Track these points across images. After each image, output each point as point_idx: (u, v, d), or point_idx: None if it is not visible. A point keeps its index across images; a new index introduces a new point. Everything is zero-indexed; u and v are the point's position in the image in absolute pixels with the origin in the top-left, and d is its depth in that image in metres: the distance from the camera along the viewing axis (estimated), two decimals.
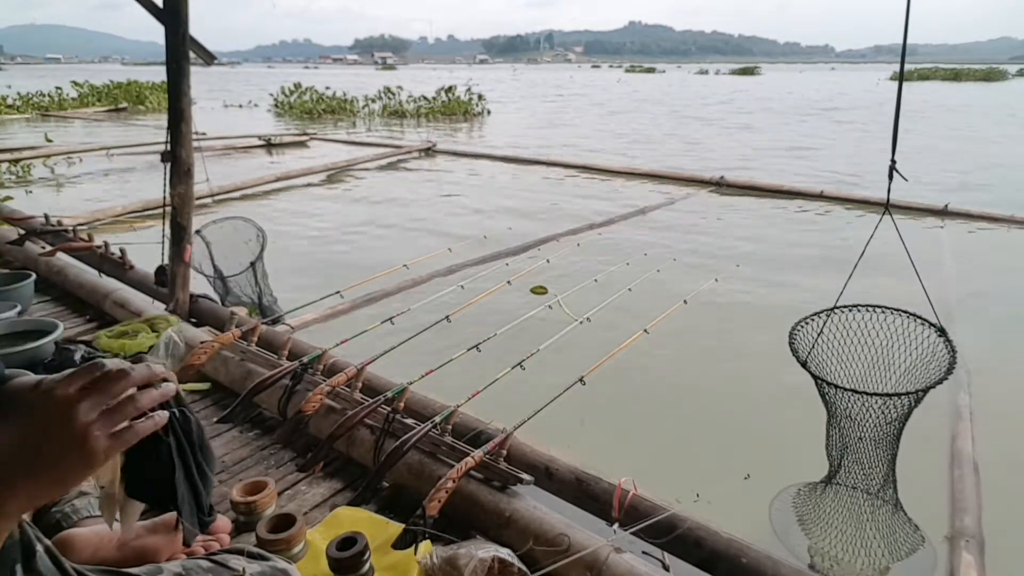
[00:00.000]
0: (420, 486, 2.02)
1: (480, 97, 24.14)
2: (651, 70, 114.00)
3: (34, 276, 3.72)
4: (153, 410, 0.77)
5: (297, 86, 25.52)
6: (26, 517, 1.11)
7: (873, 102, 29.84)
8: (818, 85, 51.36)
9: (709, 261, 6.16)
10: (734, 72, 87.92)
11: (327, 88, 26.51)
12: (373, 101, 24.57)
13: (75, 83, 26.28)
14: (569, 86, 51.40)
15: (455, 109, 23.53)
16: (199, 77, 47.76)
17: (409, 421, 2.27)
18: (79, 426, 0.67)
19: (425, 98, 24.14)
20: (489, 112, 24.13)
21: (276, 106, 25.22)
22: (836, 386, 2.11)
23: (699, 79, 71.00)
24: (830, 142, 16.01)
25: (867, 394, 2.04)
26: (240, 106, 27.40)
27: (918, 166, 11.46)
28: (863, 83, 53.58)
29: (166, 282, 3.51)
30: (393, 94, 24.44)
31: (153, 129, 16.82)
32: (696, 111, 26.07)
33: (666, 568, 1.86)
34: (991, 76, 56.69)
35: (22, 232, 4.82)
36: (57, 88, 24.72)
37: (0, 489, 0.65)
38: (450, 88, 24.37)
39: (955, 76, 57.41)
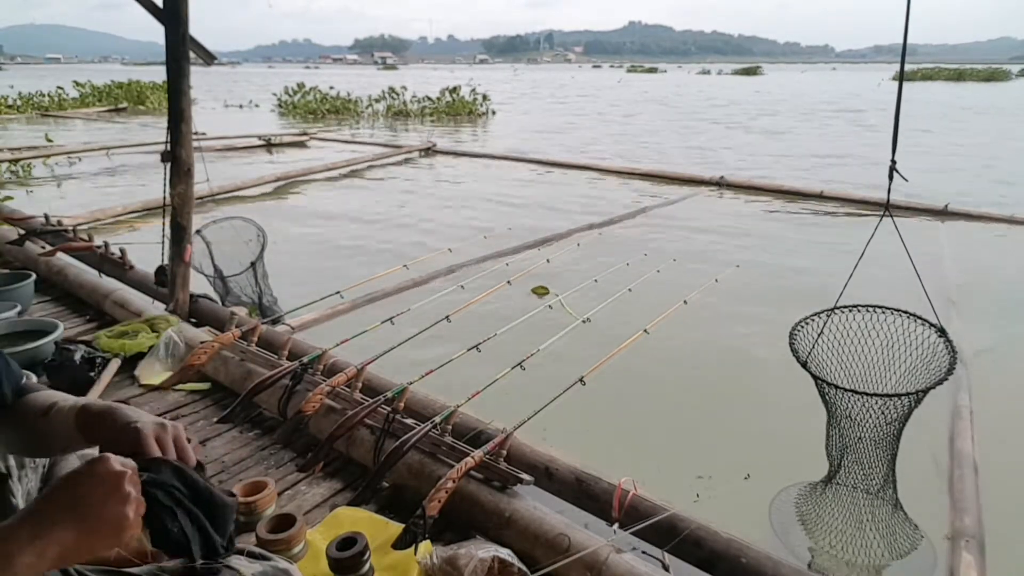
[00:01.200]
0: (420, 486, 2.02)
1: (485, 97, 23.99)
2: (653, 70, 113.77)
3: (34, 276, 3.72)
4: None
5: (300, 86, 25.41)
6: None
7: (889, 103, 29.47)
8: (825, 85, 50.87)
9: (709, 261, 6.15)
10: (736, 72, 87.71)
11: (331, 88, 26.41)
12: (377, 101, 24.48)
13: (77, 83, 26.29)
14: (574, 86, 51.08)
15: (459, 109, 23.42)
16: (199, 77, 47.71)
17: (409, 421, 2.27)
18: (123, 496, 0.79)
19: (429, 98, 24.02)
20: (494, 113, 24.00)
21: (280, 106, 25.13)
22: (836, 387, 2.11)
23: (704, 79, 70.52)
24: (867, 147, 14.98)
25: (867, 395, 2.04)
26: (240, 106, 27.35)
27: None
28: (866, 83, 53.37)
29: (166, 282, 3.52)
30: (397, 94, 24.34)
31: (153, 129, 16.83)
32: (713, 114, 25.09)
33: (666, 568, 1.87)
34: (995, 76, 56.68)
35: (22, 232, 4.82)
36: (59, 88, 24.71)
37: (60, 536, 0.75)
38: (454, 88, 24.26)
39: (959, 76, 57.37)
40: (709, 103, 31.27)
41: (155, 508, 0.83)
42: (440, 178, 11.42)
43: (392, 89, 24.61)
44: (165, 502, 0.84)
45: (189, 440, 0.97)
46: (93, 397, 2.65)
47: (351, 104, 24.41)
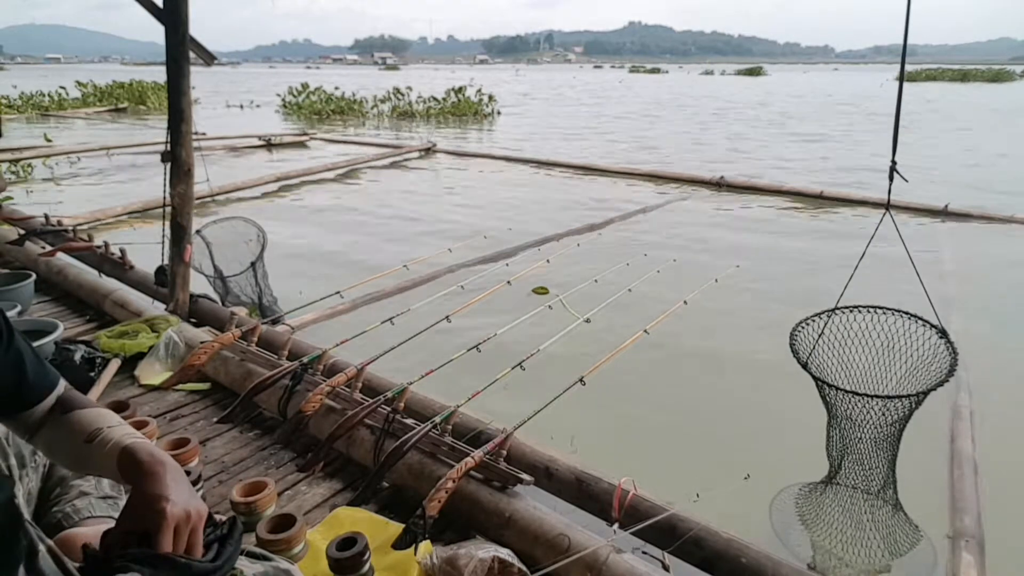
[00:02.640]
0: (420, 486, 2.02)
1: (491, 98, 23.87)
2: (656, 70, 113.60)
3: (34, 276, 3.72)
4: None
5: (305, 86, 25.28)
6: (28, 517, 1.11)
7: (916, 105, 27.75)
8: (833, 86, 50.30)
9: (709, 261, 6.15)
10: (740, 72, 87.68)
11: (336, 88, 26.31)
12: (383, 102, 24.37)
13: (79, 83, 26.31)
14: (581, 87, 50.63)
15: (465, 110, 23.32)
16: (200, 77, 47.63)
17: (409, 421, 2.27)
18: None
19: (435, 99, 23.91)
20: (499, 113, 23.87)
21: (284, 107, 25.03)
22: (836, 388, 2.11)
23: (709, 80, 70.02)
24: (935, 153, 13.71)
25: (868, 396, 2.04)
26: (241, 107, 27.30)
27: None
28: (870, 84, 53.18)
29: (166, 282, 3.52)
30: (402, 95, 24.21)
31: (153, 129, 16.81)
32: (740, 115, 23.75)
33: (666, 568, 1.87)
34: (1000, 77, 56.84)
35: (22, 232, 4.82)
36: (61, 88, 24.71)
37: None
38: (460, 89, 24.16)
39: (963, 77, 57.53)
40: (730, 105, 29.62)
41: None
42: (440, 178, 11.43)
43: (397, 90, 24.50)
44: None
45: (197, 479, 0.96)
46: (93, 397, 2.65)
47: (356, 104, 24.31)
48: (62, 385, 1.12)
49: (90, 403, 1.12)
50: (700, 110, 27.11)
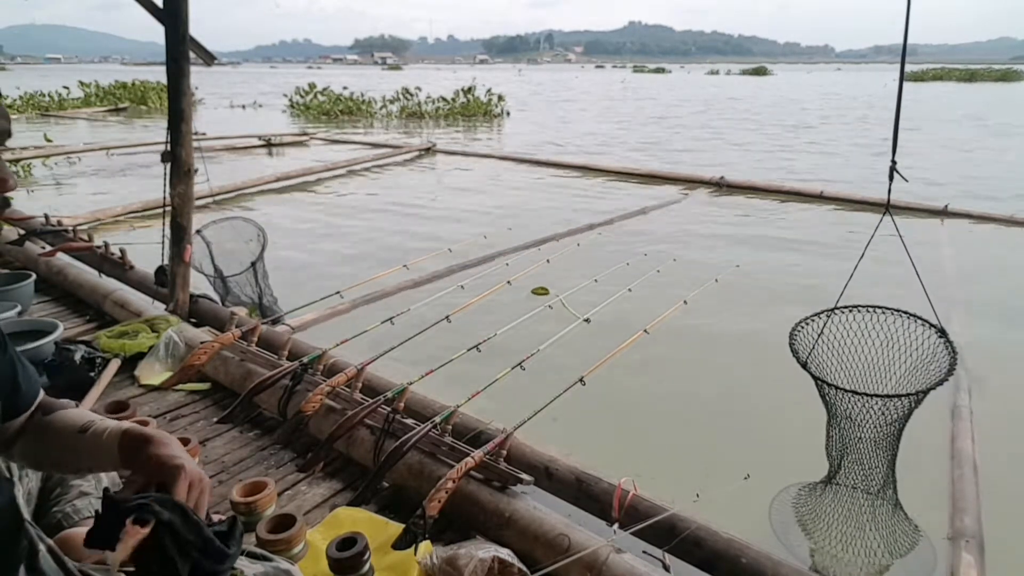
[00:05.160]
0: (420, 486, 2.03)
1: (500, 98, 23.71)
2: (660, 70, 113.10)
3: (34, 276, 3.72)
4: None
5: (312, 86, 25.08)
6: (28, 517, 1.12)
7: (925, 105, 26.99)
8: (846, 87, 49.65)
9: (709, 261, 6.15)
10: (745, 72, 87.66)
11: (344, 88, 26.16)
12: (392, 102, 24.22)
13: (82, 83, 26.31)
14: (588, 88, 50.26)
15: (474, 110, 23.20)
16: (204, 77, 47.51)
17: (409, 421, 2.27)
18: None
19: (444, 99, 23.78)
20: (508, 114, 23.70)
21: (292, 107, 24.85)
22: (836, 387, 2.11)
23: (719, 80, 69.36)
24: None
25: (867, 395, 2.04)
26: (244, 107, 27.24)
27: None
28: (877, 84, 53.03)
29: (166, 282, 3.52)
30: (411, 95, 24.04)
31: (153, 129, 16.80)
32: (795, 120, 21.46)
33: (666, 568, 1.86)
34: (1007, 76, 57.37)
35: (22, 232, 4.83)
36: (65, 88, 24.69)
37: None
38: (469, 89, 24.00)
39: (970, 77, 58.06)
40: (770, 109, 26.88)
41: (158, 551, 0.81)
42: (440, 178, 11.43)
43: (406, 90, 24.33)
44: (170, 553, 0.82)
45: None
46: (93, 397, 2.66)
47: (365, 105, 24.14)
48: (41, 391, 1.13)
49: (69, 404, 1.12)
50: (762, 120, 22.41)
